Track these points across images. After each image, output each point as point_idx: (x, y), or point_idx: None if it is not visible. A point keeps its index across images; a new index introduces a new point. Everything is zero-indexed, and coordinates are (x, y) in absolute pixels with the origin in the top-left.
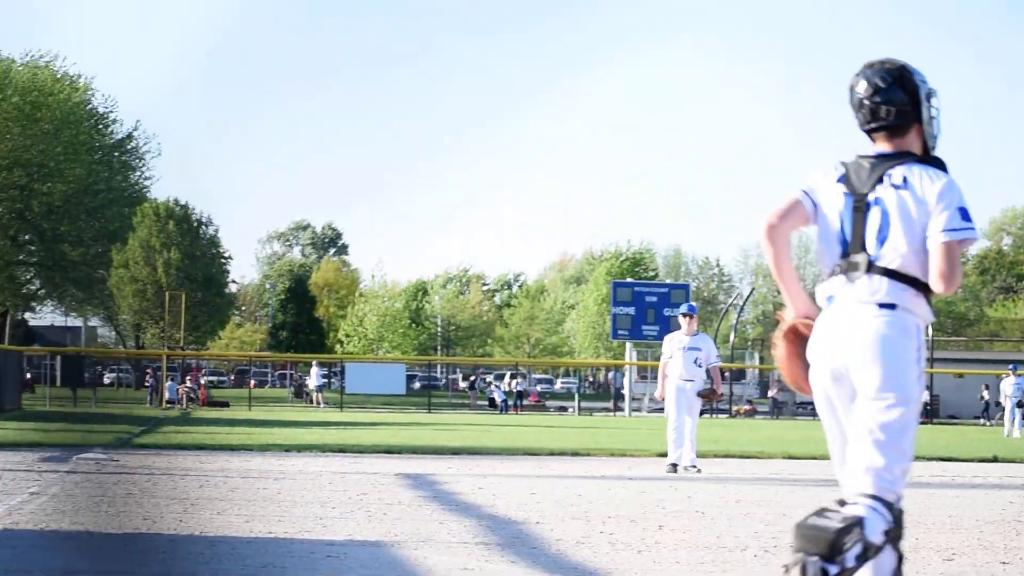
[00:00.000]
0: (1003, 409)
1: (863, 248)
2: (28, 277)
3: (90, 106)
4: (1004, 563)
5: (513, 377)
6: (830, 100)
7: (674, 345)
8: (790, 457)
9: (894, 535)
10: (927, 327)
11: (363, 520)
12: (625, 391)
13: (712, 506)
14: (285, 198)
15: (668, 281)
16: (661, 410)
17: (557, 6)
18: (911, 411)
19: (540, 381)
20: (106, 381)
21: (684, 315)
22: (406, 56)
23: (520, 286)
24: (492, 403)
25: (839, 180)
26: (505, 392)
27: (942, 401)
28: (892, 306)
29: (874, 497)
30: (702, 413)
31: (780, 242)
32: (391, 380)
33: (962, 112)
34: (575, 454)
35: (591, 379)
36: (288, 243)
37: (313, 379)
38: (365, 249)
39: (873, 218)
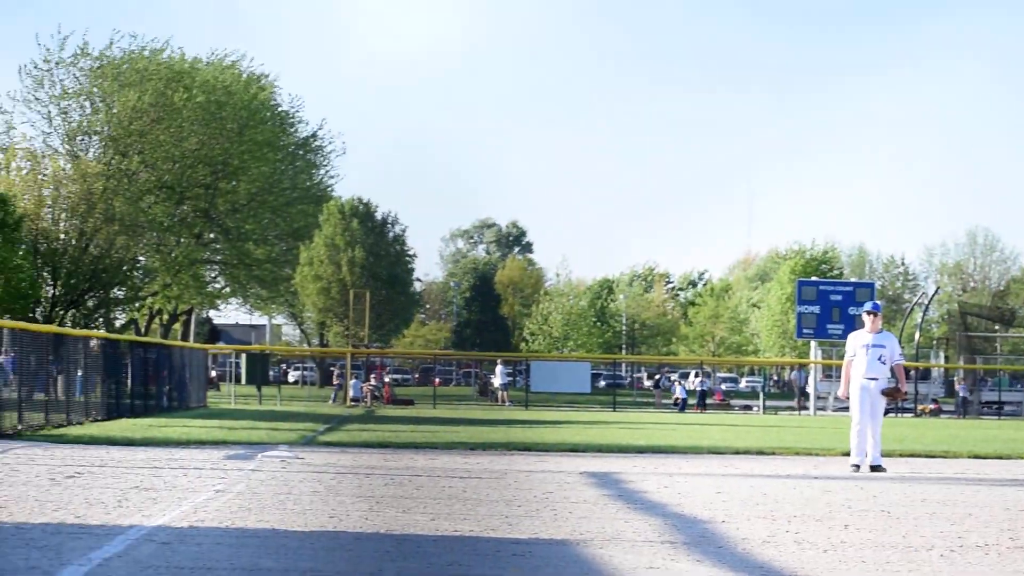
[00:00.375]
0: None
1: None
2: (213, 275)
3: (274, 103)
4: None
5: (697, 376)
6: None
7: (858, 343)
8: (976, 456)
9: None
10: None
11: (548, 519)
12: (810, 390)
13: (898, 505)
14: (469, 196)
15: (853, 280)
16: (846, 409)
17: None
18: None
19: (725, 380)
20: (291, 379)
21: (868, 313)
22: (588, 57)
23: (704, 284)
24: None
25: None
26: (687, 391)
27: None
28: None
29: None
30: (887, 412)
31: None
32: (576, 378)
33: None
34: (760, 453)
35: (775, 378)
36: (472, 241)
37: (498, 377)
38: (550, 247)
39: None
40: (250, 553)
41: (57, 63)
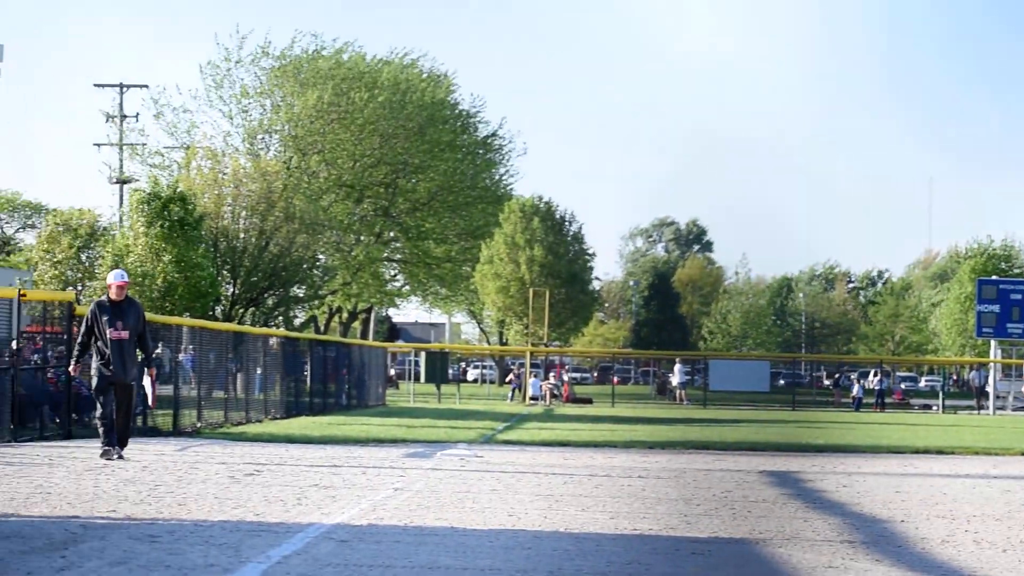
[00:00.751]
0: None
1: None
2: (392, 274)
3: (454, 102)
4: None
5: (876, 375)
6: None
7: None
8: None
9: None
10: None
11: (727, 517)
12: (989, 389)
13: None
14: (648, 194)
15: None
16: None
17: None
18: None
19: (904, 379)
20: (470, 377)
21: None
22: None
23: (884, 283)
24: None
25: None
26: (865, 389)
27: None
28: None
29: None
30: None
31: None
32: (755, 377)
33: None
34: (939, 452)
35: (955, 377)
36: (651, 240)
37: (676, 376)
38: (729, 245)
39: None
40: (428, 551)
41: (237, 62)
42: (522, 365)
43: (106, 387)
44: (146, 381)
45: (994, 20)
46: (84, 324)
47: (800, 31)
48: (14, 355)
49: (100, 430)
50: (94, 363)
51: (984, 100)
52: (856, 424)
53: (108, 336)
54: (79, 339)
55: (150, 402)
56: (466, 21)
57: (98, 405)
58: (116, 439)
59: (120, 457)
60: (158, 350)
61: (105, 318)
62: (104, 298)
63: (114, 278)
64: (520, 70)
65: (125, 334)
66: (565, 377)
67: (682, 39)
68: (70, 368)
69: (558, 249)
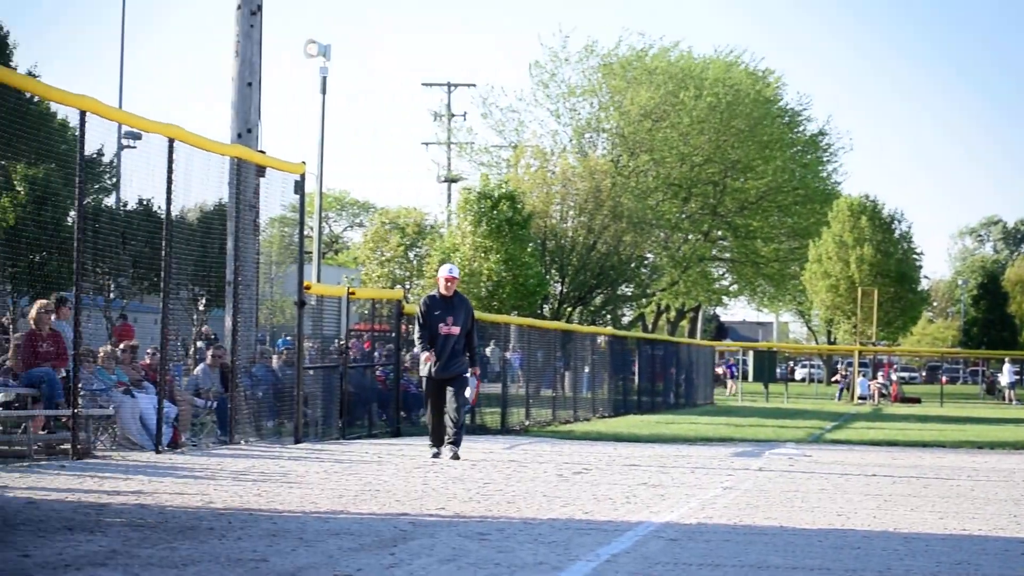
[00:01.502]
0: None
1: None
2: (721, 272)
3: (782, 102)
4: None
5: None
6: None
7: None
8: None
9: None
10: None
11: None
12: None
13: None
14: (977, 193)
15: None
16: None
17: None
18: None
19: None
20: (797, 376)
21: None
22: None
23: None
24: None
25: None
26: None
27: None
28: None
29: None
30: None
31: None
32: None
33: None
34: None
35: None
36: (980, 239)
37: (1005, 376)
38: None
39: None
40: (758, 550)
41: (565, 60)
42: (850, 364)
43: (435, 384)
44: (471, 380)
45: None
46: (418, 319)
47: None
48: (343, 353)
49: (429, 428)
50: (424, 357)
51: None
52: None
53: (439, 331)
54: (419, 333)
55: (470, 401)
56: (789, 19)
57: (427, 402)
58: (445, 437)
59: (455, 456)
60: (488, 348)
61: (436, 312)
62: (435, 292)
63: (445, 272)
64: (848, 67)
65: (455, 329)
66: (893, 376)
67: None
68: (423, 357)
69: (887, 248)
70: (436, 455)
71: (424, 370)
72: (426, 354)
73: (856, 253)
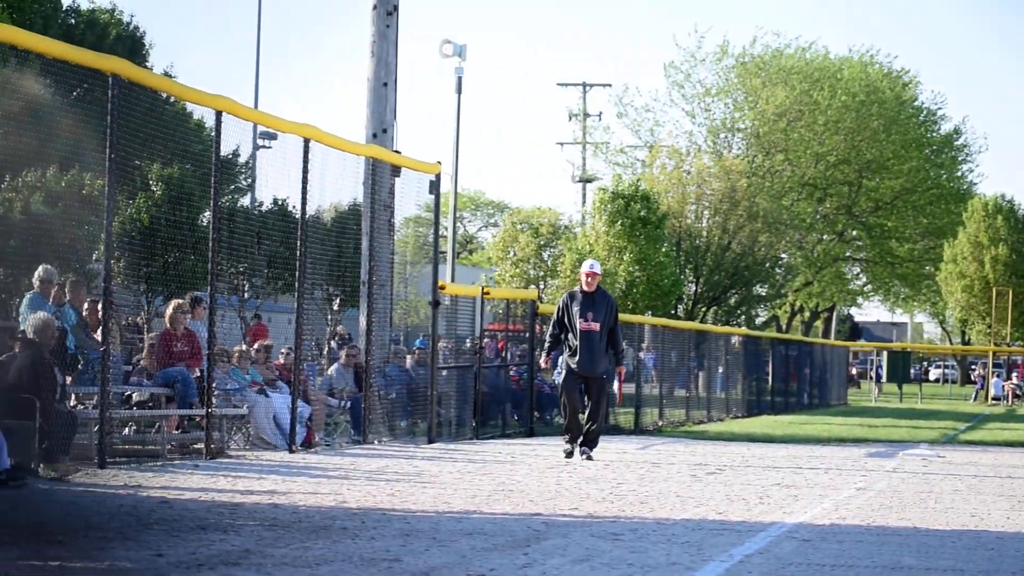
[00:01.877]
0: None
1: None
2: (855, 273)
3: (917, 102)
4: None
5: None
6: None
7: None
8: None
9: None
10: None
11: None
12: None
13: None
14: None
15: None
16: None
17: None
18: None
19: None
20: (931, 377)
21: None
22: None
23: None
24: None
25: None
26: None
27: None
28: None
29: None
30: None
31: None
32: None
33: None
34: None
35: None
36: None
37: None
38: None
39: None
40: (891, 551)
41: (701, 60)
42: (985, 365)
43: (574, 382)
44: (614, 378)
45: None
46: (555, 315)
47: None
48: (477, 353)
49: (565, 425)
50: (563, 356)
51: None
52: None
53: (578, 327)
54: (550, 331)
55: (616, 399)
56: (923, 17)
57: (564, 401)
58: (583, 437)
59: (588, 457)
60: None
61: (576, 308)
62: (576, 289)
63: (586, 267)
64: (982, 67)
65: (595, 325)
66: None
67: None
68: (540, 361)
69: (1022, 248)
70: (569, 454)
71: (558, 379)
72: (544, 357)
73: (991, 253)
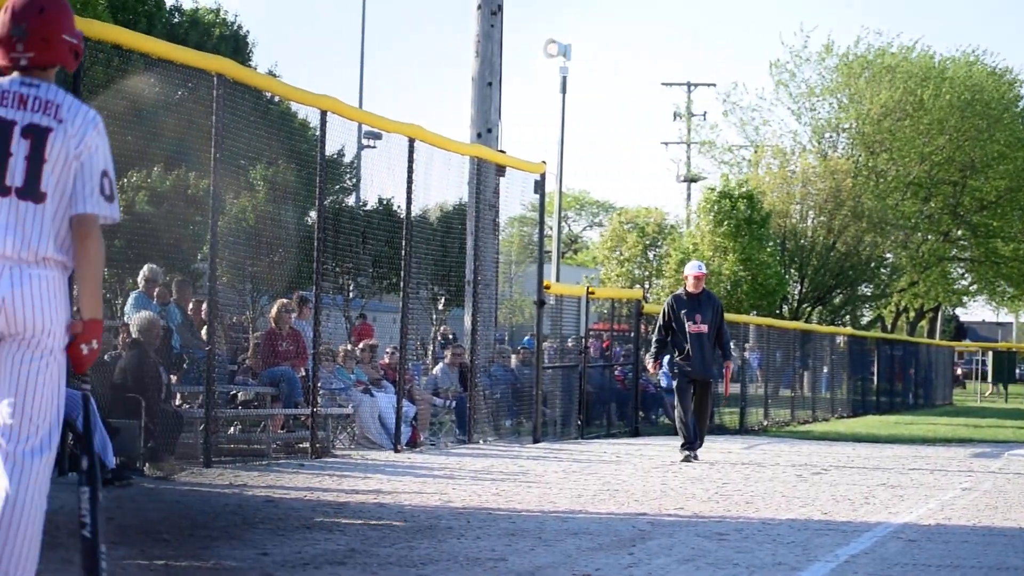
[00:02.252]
0: None
1: None
2: (960, 272)
3: (1023, 102)
4: None
5: None
6: None
7: None
8: None
9: None
10: None
11: None
12: None
13: None
14: None
15: None
16: None
17: None
18: None
19: None
20: None
21: None
22: None
23: None
24: None
25: None
26: None
27: None
28: None
29: None
30: None
31: None
32: None
33: None
34: None
35: None
36: None
37: None
38: None
39: None
40: (997, 552)
41: (806, 60)
42: None
43: (685, 384)
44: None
45: None
46: (661, 318)
47: None
48: (582, 352)
49: (678, 428)
50: (672, 359)
51: None
52: None
53: (687, 330)
54: (656, 335)
55: (724, 395)
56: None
57: (676, 402)
58: (695, 437)
59: (694, 457)
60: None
61: (683, 311)
62: (681, 291)
63: (691, 269)
64: None
65: (704, 327)
66: None
67: None
68: (648, 365)
69: None
70: (686, 458)
71: (666, 381)
72: (652, 363)
73: None
